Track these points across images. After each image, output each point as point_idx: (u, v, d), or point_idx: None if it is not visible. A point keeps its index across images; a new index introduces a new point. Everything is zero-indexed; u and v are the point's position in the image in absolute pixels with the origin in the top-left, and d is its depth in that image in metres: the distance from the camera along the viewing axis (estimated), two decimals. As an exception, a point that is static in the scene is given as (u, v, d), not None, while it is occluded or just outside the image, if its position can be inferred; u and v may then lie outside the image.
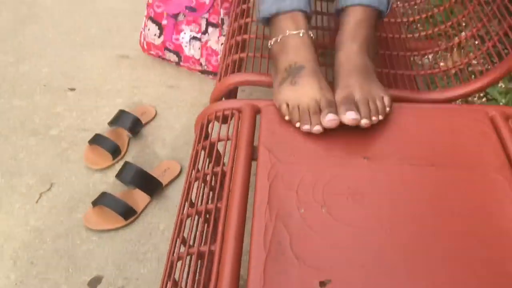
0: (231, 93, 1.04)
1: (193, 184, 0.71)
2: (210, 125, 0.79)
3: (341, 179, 0.66)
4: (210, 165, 0.72)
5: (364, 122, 0.70)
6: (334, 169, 0.67)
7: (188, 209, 0.69)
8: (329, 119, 0.69)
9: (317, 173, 0.66)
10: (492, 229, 0.60)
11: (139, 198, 1.13)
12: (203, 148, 0.75)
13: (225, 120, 0.79)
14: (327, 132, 0.72)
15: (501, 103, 1.35)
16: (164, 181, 1.16)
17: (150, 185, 1.13)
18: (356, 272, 0.56)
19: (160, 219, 1.10)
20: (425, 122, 0.74)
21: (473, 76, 0.95)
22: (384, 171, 0.67)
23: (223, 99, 0.94)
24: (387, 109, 0.74)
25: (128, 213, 1.09)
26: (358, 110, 0.71)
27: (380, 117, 0.72)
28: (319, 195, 0.64)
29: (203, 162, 0.74)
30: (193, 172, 0.73)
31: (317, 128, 0.70)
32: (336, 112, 0.70)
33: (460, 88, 0.90)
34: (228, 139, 0.75)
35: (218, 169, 0.70)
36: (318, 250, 0.58)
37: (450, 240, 0.59)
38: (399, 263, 0.56)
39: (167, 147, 1.27)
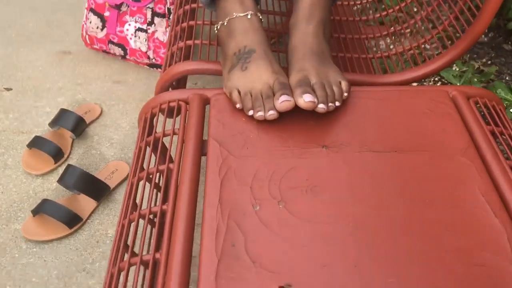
0: (179, 85, 0.97)
1: (136, 185, 0.63)
2: (155, 119, 0.72)
3: (299, 171, 0.60)
4: (157, 164, 0.65)
5: (321, 107, 0.65)
6: (291, 160, 0.61)
7: (132, 213, 0.61)
8: (283, 100, 0.63)
9: (272, 166, 0.60)
10: (460, 215, 0.56)
11: (84, 203, 1.04)
12: (147, 144, 0.68)
13: (171, 113, 0.72)
14: (282, 121, 0.66)
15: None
16: (111, 183, 1.08)
17: (96, 189, 1.04)
18: (318, 273, 0.50)
19: (108, 225, 1.02)
20: (385, 106, 0.70)
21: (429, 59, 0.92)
22: (344, 160, 0.62)
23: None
24: (345, 94, 0.69)
25: (72, 220, 1.00)
26: (314, 93, 0.65)
27: (337, 103, 0.67)
28: (275, 189, 0.58)
29: (148, 160, 0.66)
30: (137, 171, 0.66)
31: (271, 113, 0.64)
32: (290, 94, 0.65)
33: (414, 71, 0.86)
34: (174, 133, 0.68)
35: (164, 166, 0.63)
36: (276, 251, 0.52)
37: (417, 232, 0.54)
38: (364, 260, 0.51)
39: (115, 147, 1.18)
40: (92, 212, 1.04)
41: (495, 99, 0.74)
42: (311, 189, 0.58)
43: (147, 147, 0.69)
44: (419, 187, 0.59)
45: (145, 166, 0.66)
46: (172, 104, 0.72)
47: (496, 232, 0.54)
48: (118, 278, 0.54)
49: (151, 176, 0.64)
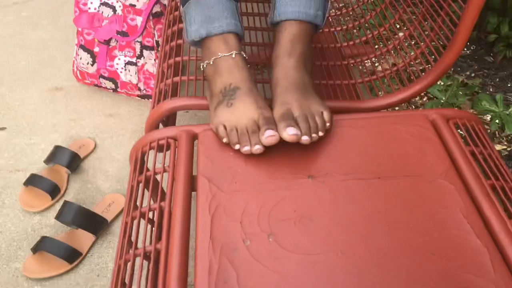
0: (170, 119, 1.00)
1: (130, 224, 0.65)
2: (146, 156, 0.74)
3: (287, 202, 0.62)
4: (149, 202, 0.67)
5: (304, 139, 0.67)
6: (279, 192, 0.64)
7: (127, 252, 0.63)
8: (268, 135, 0.66)
9: (261, 199, 0.63)
10: (443, 238, 0.58)
11: (83, 238, 1.05)
12: (139, 183, 0.70)
13: (161, 150, 0.74)
14: (268, 153, 0.68)
15: (442, 100, 1.37)
16: (109, 216, 1.09)
17: (94, 223, 1.06)
18: (310, 304, 0.52)
19: (107, 259, 1.04)
20: (367, 133, 0.72)
21: (413, 76, 0.95)
22: (329, 189, 0.64)
23: (161, 125, 0.90)
24: (327, 124, 0.72)
25: (72, 256, 1.01)
26: (298, 126, 0.68)
27: (321, 134, 0.70)
28: (265, 223, 0.60)
29: (141, 197, 0.69)
30: (130, 210, 0.68)
31: (257, 148, 0.67)
32: (275, 129, 0.67)
33: (400, 93, 0.89)
34: (165, 171, 0.70)
35: (156, 205, 0.65)
36: (267, 285, 0.54)
37: (403, 256, 0.56)
38: (353, 288, 0.53)
39: (110, 179, 1.20)
40: (91, 246, 1.05)
41: (474, 119, 0.77)
42: (299, 221, 0.60)
43: (141, 185, 0.71)
44: (403, 213, 0.61)
45: (138, 203, 0.68)
46: (161, 142, 0.74)
47: (479, 253, 0.56)
48: (116, 319, 0.55)
49: (145, 214, 0.66)
